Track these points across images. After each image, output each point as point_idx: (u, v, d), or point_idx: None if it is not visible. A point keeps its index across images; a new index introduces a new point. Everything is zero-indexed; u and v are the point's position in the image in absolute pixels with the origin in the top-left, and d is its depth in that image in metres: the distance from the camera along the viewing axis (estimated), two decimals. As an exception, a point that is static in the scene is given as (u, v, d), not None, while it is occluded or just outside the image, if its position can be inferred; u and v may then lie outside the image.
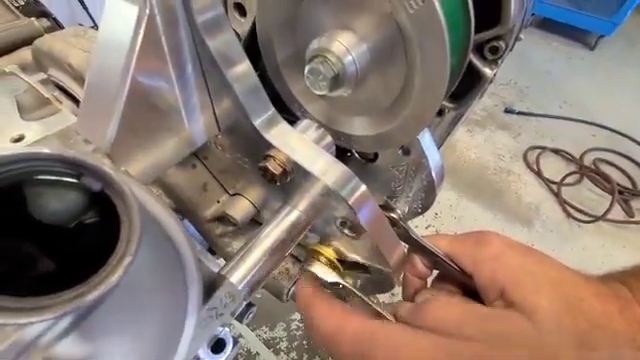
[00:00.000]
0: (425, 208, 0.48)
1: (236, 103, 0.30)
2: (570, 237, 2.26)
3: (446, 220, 2.32)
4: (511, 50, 0.33)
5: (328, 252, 0.42)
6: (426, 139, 0.41)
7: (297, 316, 1.91)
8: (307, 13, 0.30)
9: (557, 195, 2.41)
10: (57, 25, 0.68)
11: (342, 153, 0.51)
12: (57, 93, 0.48)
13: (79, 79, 0.47)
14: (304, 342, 1.89)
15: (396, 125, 0.32)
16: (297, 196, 0.36)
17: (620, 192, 2.37)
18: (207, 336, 0.30)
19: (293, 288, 0.50)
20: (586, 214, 2.30)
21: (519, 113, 2.93)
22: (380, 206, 0.40)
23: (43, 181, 0.18)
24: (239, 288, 0.32)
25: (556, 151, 2.66)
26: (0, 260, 0.18)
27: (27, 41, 0.59)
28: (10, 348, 0.15)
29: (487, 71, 0.31)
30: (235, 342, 0.53)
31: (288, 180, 0.33)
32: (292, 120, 0.36)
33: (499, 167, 2.62)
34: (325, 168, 0.32)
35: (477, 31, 0.29)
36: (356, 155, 0.48)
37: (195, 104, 0.33)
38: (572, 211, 2.33)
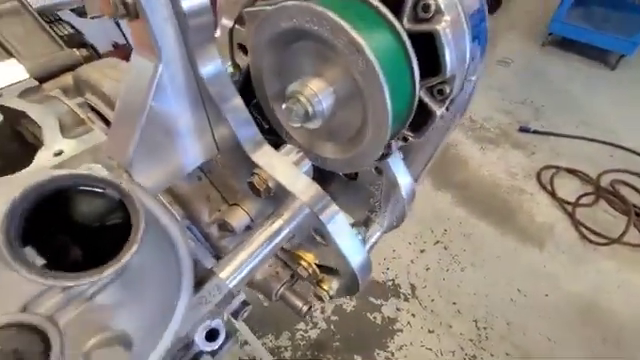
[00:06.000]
0: (399, 222, 0.53)
1: (230, 130, 0.38)
2: (584, 259, 2.20)
3: (455, 237, 2.32)
4: (461, 90, 0.39)
5: (308, 257, 0.48)
6: (396, 162, 0.47)
7: (302, 326, 1.95)
8: (288, 61, 0.38)
9: (571, 216, 2.36)
10: (95, 53, 0.80)
11: (330, 173, 0.58)
12: (91, 114, 0.58)
13: (110, 104, 0.56)
14: (307, 352, 1.92)
15: (358, 151, 0.38)
16: (282, 208, 0.43)
17: (637, 214, 2.30)
18: (198, 318, 0.37)
19: (282, 289, 0.56)
20: (601, 236, 2.25)
21: (534, 132, 2.91)
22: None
23: (81, 192, 0.25)
24: (226, 282, 0.39)
25: (571, 171, 2.62)
26: (49, 248, 0.26)
27: (69, 68, 0.70)
28: (60, 300, 0.22)
29: (436, 109, 0.37)
30: (228, 335, 0.60)
31: (271, 194, 0.40)
32: (280, 142, 0.44)
33: (512, 185, 2.60)
34: (301, 187, 0.39)
35: (423, 77, 0.36)
36: (340, 174, 0.55)
37: (198, 130, 0.40)
38: (587, 233, 2.28)
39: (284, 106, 0.36)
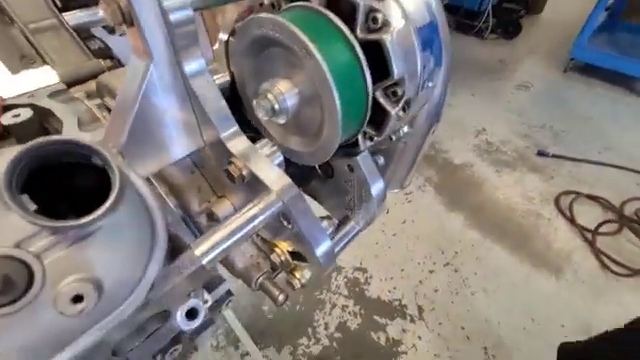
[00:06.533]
0: (371, 221, 0.57)
1: (211, 123, 0.44)
2: (605, 290, 2.08)
3: (466, 259, 2.27)
4: (417, 95, 0.44)
5: (282, 245, 0.53)
6: (366, 161, 0.52)
7: (304, 340, 1.94)
8: (262, 65, 0.44)
9: (592, 244, 2.26)
10: (119, 64, 0.90)
11: (309, 171, 0.63)
12: (105, 114, 0.66)
13: (122, 104, 0.65)
14: (308, 367, 1.90)
15: (319, 145, 0.43)
16: (257, 199, 0.48)
17: (665, 246, 2.17)
18: (170, 285, 0.41)
19: (261, 278, 0.60)
20: (624, 267, 2.13)
21: (553, 156, 2.85)
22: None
23: (72, 158, 0.31)
24: (199, 257, 0.44)
25: (592, 197, 2.52)
26: (42, 201, 0.32)
27: (94, 76, 0.80)
28: (47, 242, 0.28)
29: (390, 109, 0.41)
30: (209, 321, 0.64)
31: (244, 182, 0.45)
32: (258, 137, 0.49)
33: (528, 210, 2.53)
34: (271, 176, 0.44)
35: (377, 80, 0.40)
36: (319, 171, 0.60)
37: (186, 123, 0.47)
38: (608, 262, 2.17)
39: (254, 102, 0.41)
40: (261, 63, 0.44)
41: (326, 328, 2.00)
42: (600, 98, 3.53)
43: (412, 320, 2.03)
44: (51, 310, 0.28)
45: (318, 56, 0.35)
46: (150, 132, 0.44)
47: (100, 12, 0.95)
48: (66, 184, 0.39)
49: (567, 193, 2.57)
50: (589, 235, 2.30)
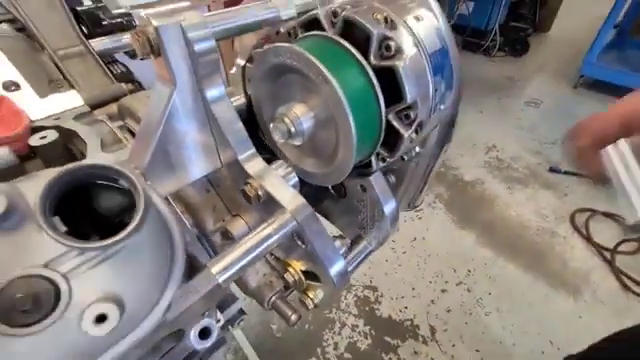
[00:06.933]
0: (384, 241, 0.57)
1: (229, 146, 0.46)
2: (626, 312, 2.00)
3: (479, 279, 2.21)
4: (430, 117, 0.45)
5: (295, 264, 0.53)
6: (379, 181, 0.52)
7: (314, 360, 1.90)
8: (279, 90, 0.46)
9: (611, 263, 2.19)
10: (139, 87, 0.94)
11: (322, 192, 0.64)
12: (127, 135, 0.69)
13: (142, 126, 0.67)
14: (317, 388, 1.85)
15: (334, 166, 0.44)
16: (272, 218, 0.49)
17: (689, 266, 2.09)
18: (187, 305, 0.42)
19: (274, 297, 0.60)
20: (646, 288, 2.05)
21: (565, 172, 2.81)
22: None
23: (99, 180, 0.33)
24: (215, 276, 0.44)
25: (609, 215, 2.46)
26: (71, 224, 0.34)
27: (117, 98, 0.84)
28: (74, 263, 0.29)
29: (404, 132, 0.43)
30: (221, 340, 0.64)
31: (260, 201, 0.47)
32: (273, 158, 0.51)
33: (542, 227, 2.47)
34: (286, 195, 0.45)
35: (391, 104, 0.42)
36: (332, 192, 0.60)
37: (205, 146, 0.49)
38: (629, 283, 2.09)
39: (271, 125, 0.43)
40: (278, 88, 0.46)
41: (335, 348, 1.96)
42: (612, 114, 3.49)
43: (424, 342, 1.98)
44: (75, 329, 0.29)
45: (334, 82, 0.36)
46: (171, 154, 0.46)
47: (124, 38, 1.00)
48: (91, 205, 0.41)
49: (582, 210, 2.51)
50: (607, 254, 2.23)
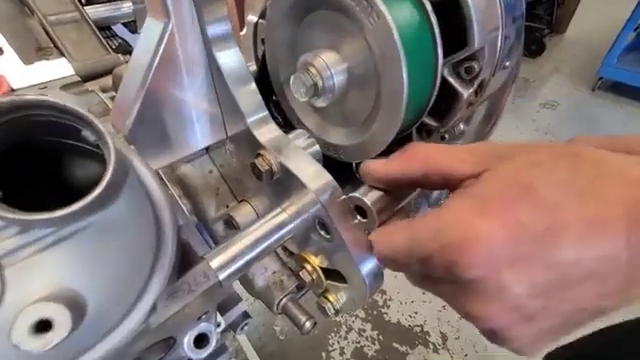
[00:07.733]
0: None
1: (235, 104, 0.36)
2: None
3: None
4: (493, 75, 0.35)
5: (313, 260, 0.43)
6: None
7: (318, 367, 1.80)
8: (302, 35, 0.36)
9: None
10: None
11: (346, 172, 0.54)
12: (119, 106, 0.60)
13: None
14: (320, 396, 1.75)
15: (369, 135, 0.34)
16: (286, 196, 0.39)
17: None
18: (178, 307, 0.32)
19: (285, 299, 0.51)
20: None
21: (585, 177, 2.68)
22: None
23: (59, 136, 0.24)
24: (215, 272, 0.35)
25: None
26: (15, 189, 0.24)
27: (112, 70, 0.75)
28: (12, 244, 0.20)
29: (463, 91, 0.33)
30: (222, 349, 0.54)
31: (274, 179, 0.37)
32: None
33: (560, 233, 2.35)
34: (308, 172, 0.35)
35: (449, 53, 0.32)
36: (356, 174, 0.50)
37: (205, 110, 0.39)
38: None
39: (292, 78, 0.33)
40: (300, 35, 0.36)
41: (341, 354, 1.86)
42: (631, 117, 3.37)
43: (435, 350, 1.86)
44: (3, 342, 0.19)
45: (387, 15, 0.26)
46: (162, 116, 0.36)
47: (123, 7, 0.91)
48: (55, 174, 0.31)
49: (603, 217, 2.38)
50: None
